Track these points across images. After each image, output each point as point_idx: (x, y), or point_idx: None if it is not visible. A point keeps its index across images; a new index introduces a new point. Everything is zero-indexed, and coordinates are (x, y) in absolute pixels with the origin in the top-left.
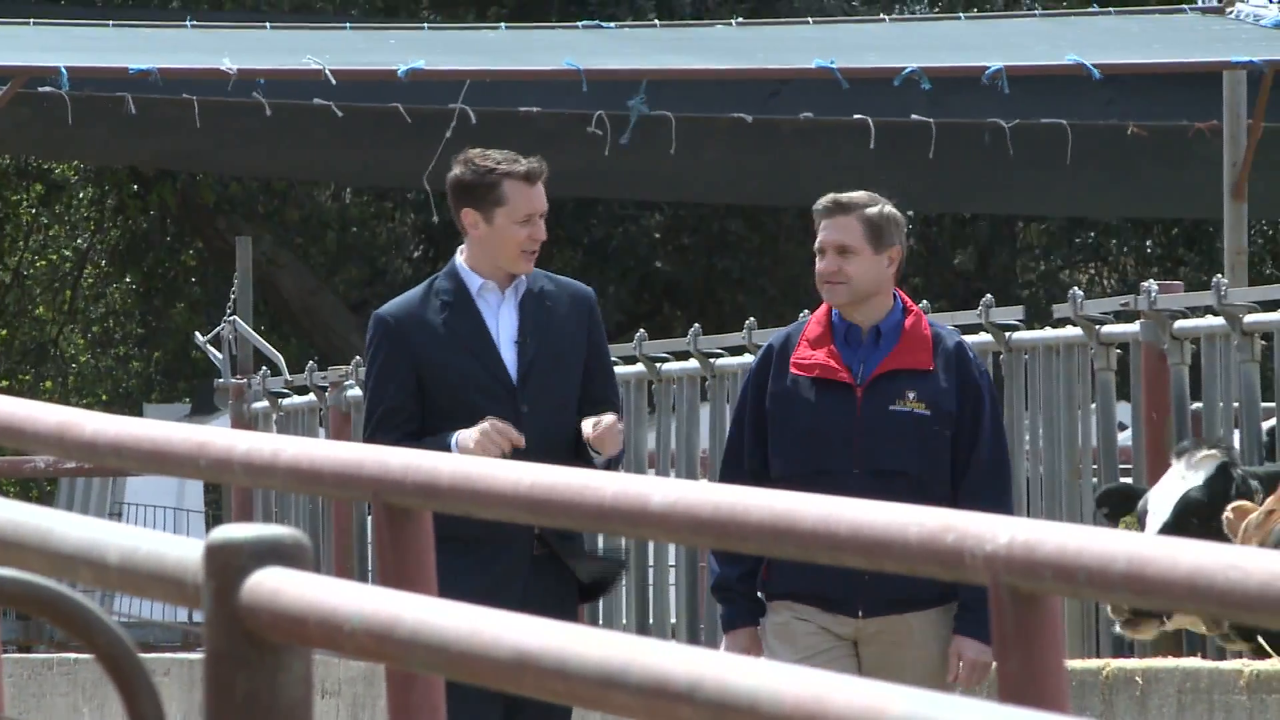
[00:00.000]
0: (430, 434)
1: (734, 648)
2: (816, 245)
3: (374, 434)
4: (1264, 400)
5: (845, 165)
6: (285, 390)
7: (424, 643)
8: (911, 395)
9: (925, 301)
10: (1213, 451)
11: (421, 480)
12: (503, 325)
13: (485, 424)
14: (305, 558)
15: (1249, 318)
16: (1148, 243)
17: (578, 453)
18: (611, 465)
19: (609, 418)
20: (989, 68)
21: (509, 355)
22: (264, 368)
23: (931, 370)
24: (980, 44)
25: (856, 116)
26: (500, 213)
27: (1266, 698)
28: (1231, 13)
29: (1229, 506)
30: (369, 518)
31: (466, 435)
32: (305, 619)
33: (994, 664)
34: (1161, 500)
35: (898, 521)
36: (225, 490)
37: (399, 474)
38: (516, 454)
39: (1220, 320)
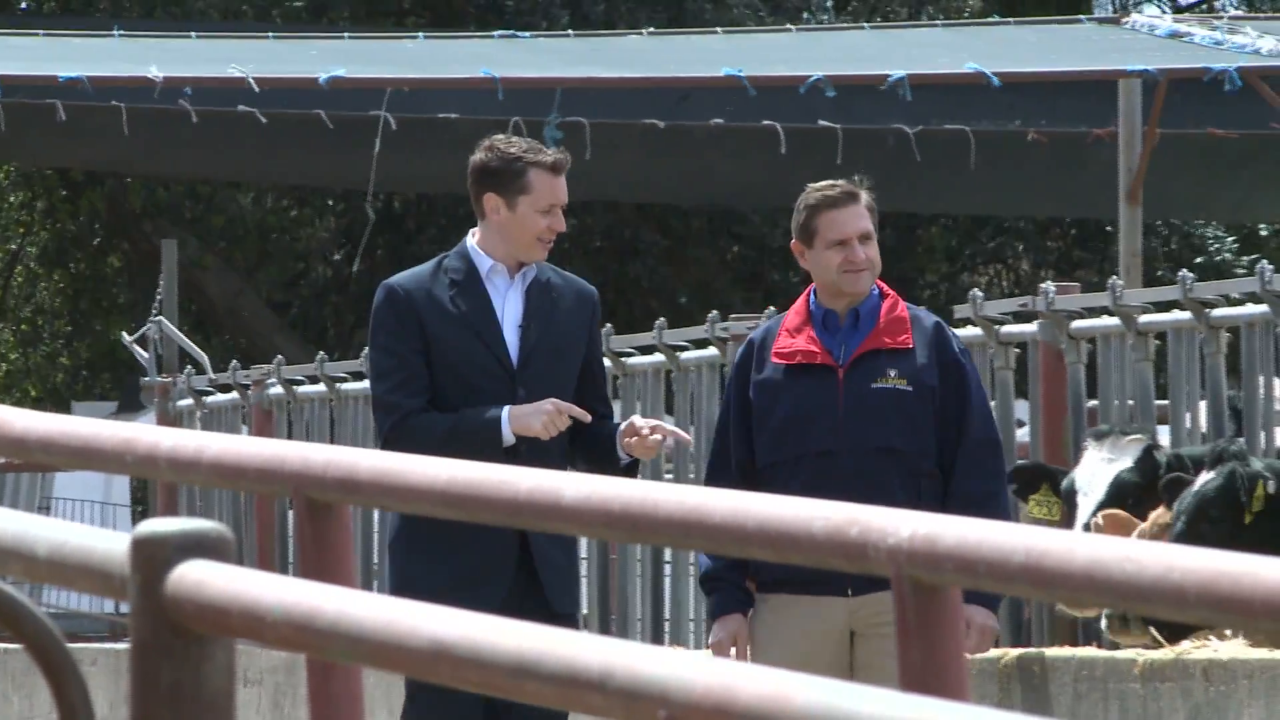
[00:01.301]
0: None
1: (724, 634)
2: (834, 237)
3: (391, 395)
4: (1158, 399)
5: (755, 169)
6: (209, 388)
7: (343, 633)
8: (893, 373)
9: None
10: (1138, 435)
11: (341, 475)
12: (508, 309)
13: (549, 404)
14: (228, 551)
15: (1143, 318)
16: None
17: (572, 439)
18: (630, 469)
19: (656, 438)
20: (891, 76)
21: (511, 338)
22: (188, 366)
23: (911, 349)
24: (883, 53)
25: (765, 123)
26: (524, 200)
27: (1159, 685)
28: (1127, 23)
29: (1100, 514)
30: (290, 512)
31: (526, 414)
32: (228, 610)
33: (996, 630)
34: (1093, 481)
35: (803, 515)
36: (151, 485)
37: (320, 469)
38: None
39: (1115, 320)
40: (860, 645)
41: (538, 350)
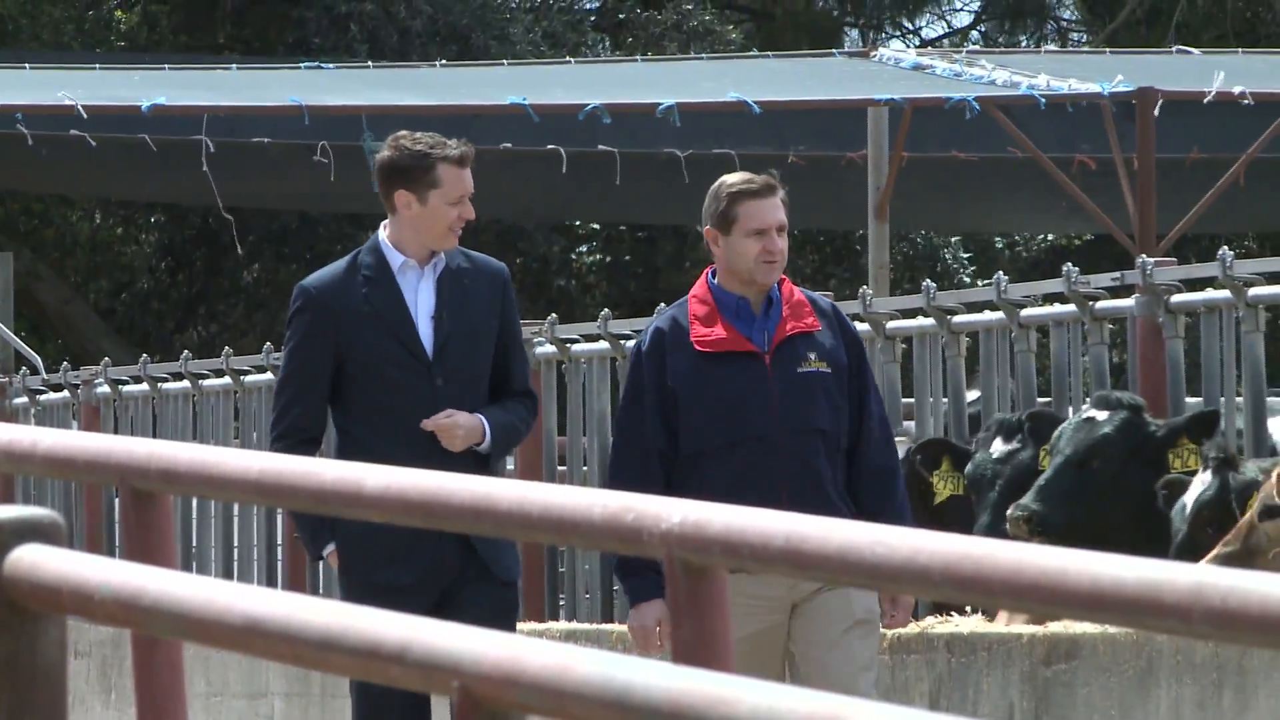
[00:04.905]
0: (351, 442)
1: (645, 619)
2: (754, 226)
3: (275, 416)
4: (904, 397)
5: (541, 189)
6: (42, 387)
7: (165, 610)
8: (813, 356)
9: (606, 310)
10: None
11: (163, 467)
12: (421, 301)
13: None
14: (60, 536)
15: (891, 324)
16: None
17: None
18: (501, 451)
19: (443, 418)
20: (662, 104)
21: (425, 330)
22: (24, 368)
23: (820, 330)
24: (655, 82)
25: (549, 147)
26: (434, 194)
27: (906, 657)
28: (875, 57)
29: None
30: (117, 500)
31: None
32: (60, 589)
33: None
34: None
35: (584, 503)
36: None
37: (143, 461)
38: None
39: (865, 327)
40: (795, 618)
41: (452, 339)
